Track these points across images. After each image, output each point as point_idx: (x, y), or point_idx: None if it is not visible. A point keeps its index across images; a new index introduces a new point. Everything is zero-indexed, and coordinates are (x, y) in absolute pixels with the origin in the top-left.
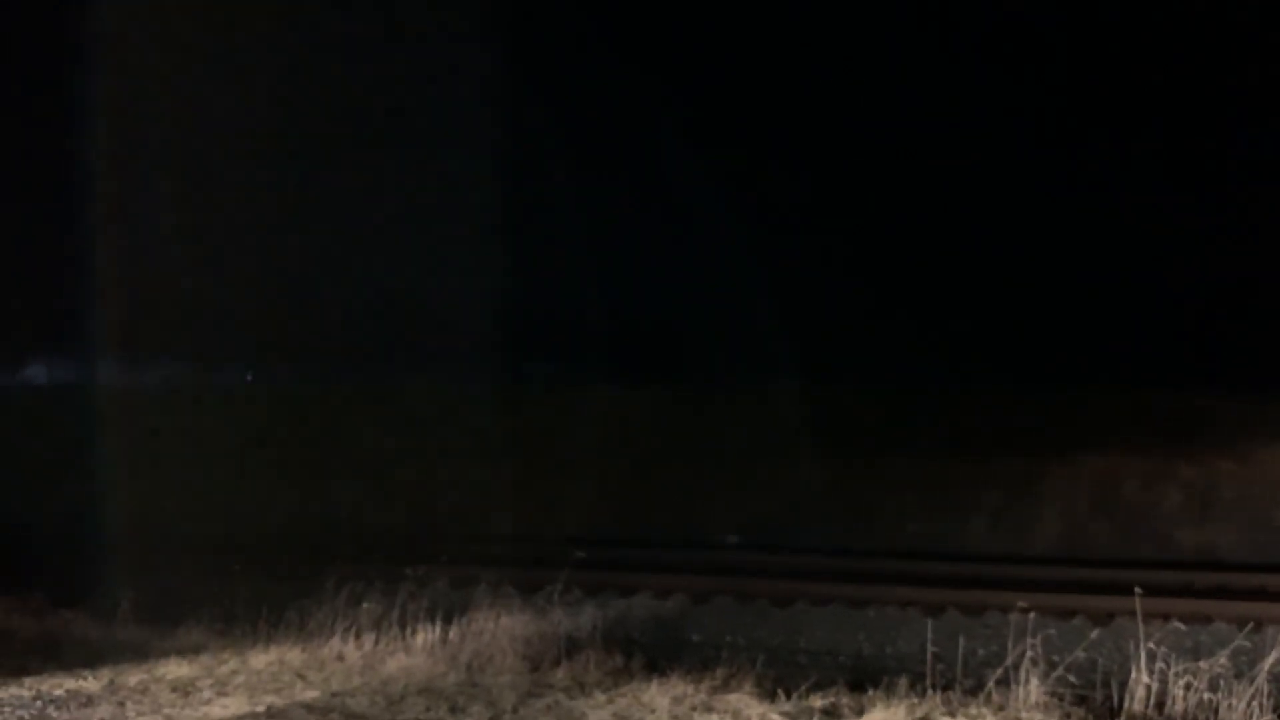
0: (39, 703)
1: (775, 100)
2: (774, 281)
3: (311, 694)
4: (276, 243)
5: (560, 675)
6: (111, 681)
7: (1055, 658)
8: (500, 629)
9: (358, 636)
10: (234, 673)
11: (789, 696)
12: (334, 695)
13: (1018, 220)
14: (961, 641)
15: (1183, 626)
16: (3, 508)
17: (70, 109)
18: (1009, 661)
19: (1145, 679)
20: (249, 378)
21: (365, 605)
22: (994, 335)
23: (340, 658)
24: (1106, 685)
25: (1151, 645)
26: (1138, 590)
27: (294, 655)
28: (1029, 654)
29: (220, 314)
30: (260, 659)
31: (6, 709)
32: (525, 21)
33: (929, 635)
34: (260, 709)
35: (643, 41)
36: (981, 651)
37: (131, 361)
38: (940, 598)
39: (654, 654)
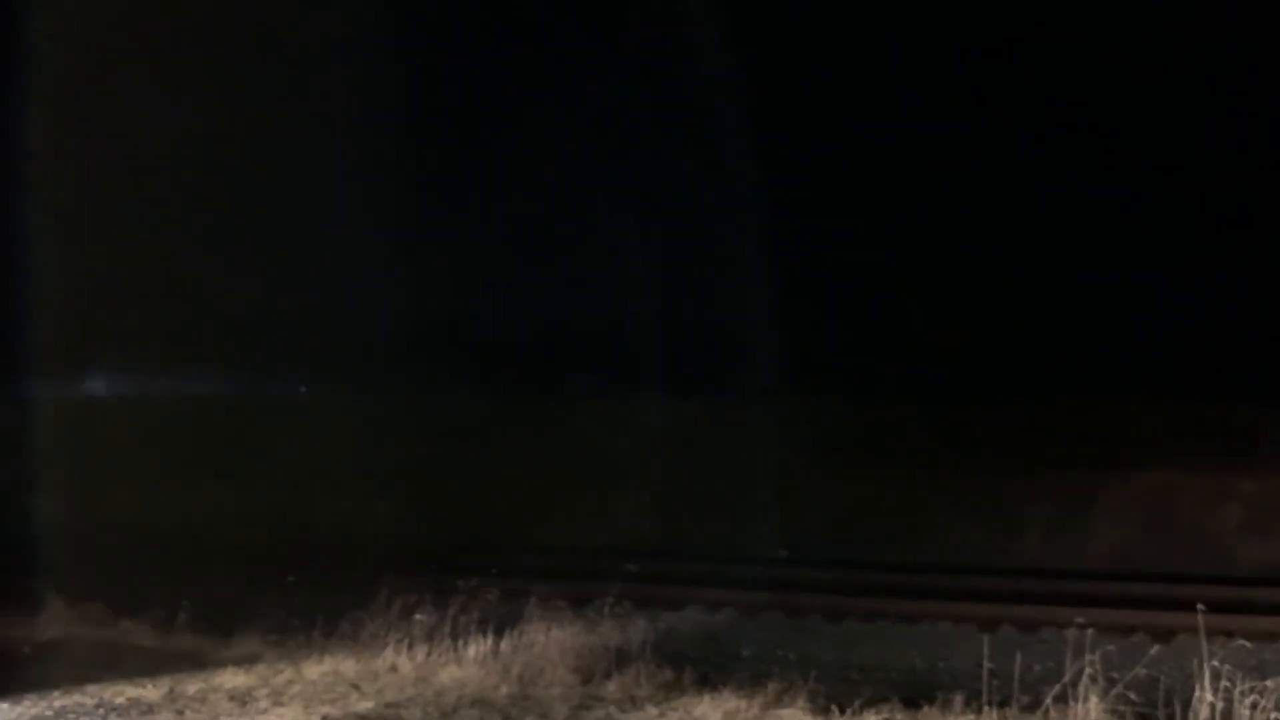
0: (101, 710)
1: (826, 110)
2: (821, 294)
3: (366, 705)
4: (317, 256)
5: (611, 688)
6: (171, 690)
7: (1114, 675)
8: (551, 641)
9: (410, 648)
10: (290, 683)
11: (843, 712)
12: (388, 706)
13: (1073, 231)
14: (1018, 657)
15: (1248, 644)
16: (65, 518)
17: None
18: (1067, 678)
19: (1209, 697)
20: (302, 389)
21: (417, 617)
22: (1047, 347)
23: (394, 669)
24: (1169, 704)
25: (1215, 663)
26: (1200, 606)
27: (348, 666)
28: (1088, 671)
29: (267, 325)
30: (315, 669)
31: (70, 716)
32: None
33: (984, 651)
34: (316, 719)
35: (688, 39)
36: (1038, 668)
37: (187, 373)
38: (994, 613)
39: (705, 668)
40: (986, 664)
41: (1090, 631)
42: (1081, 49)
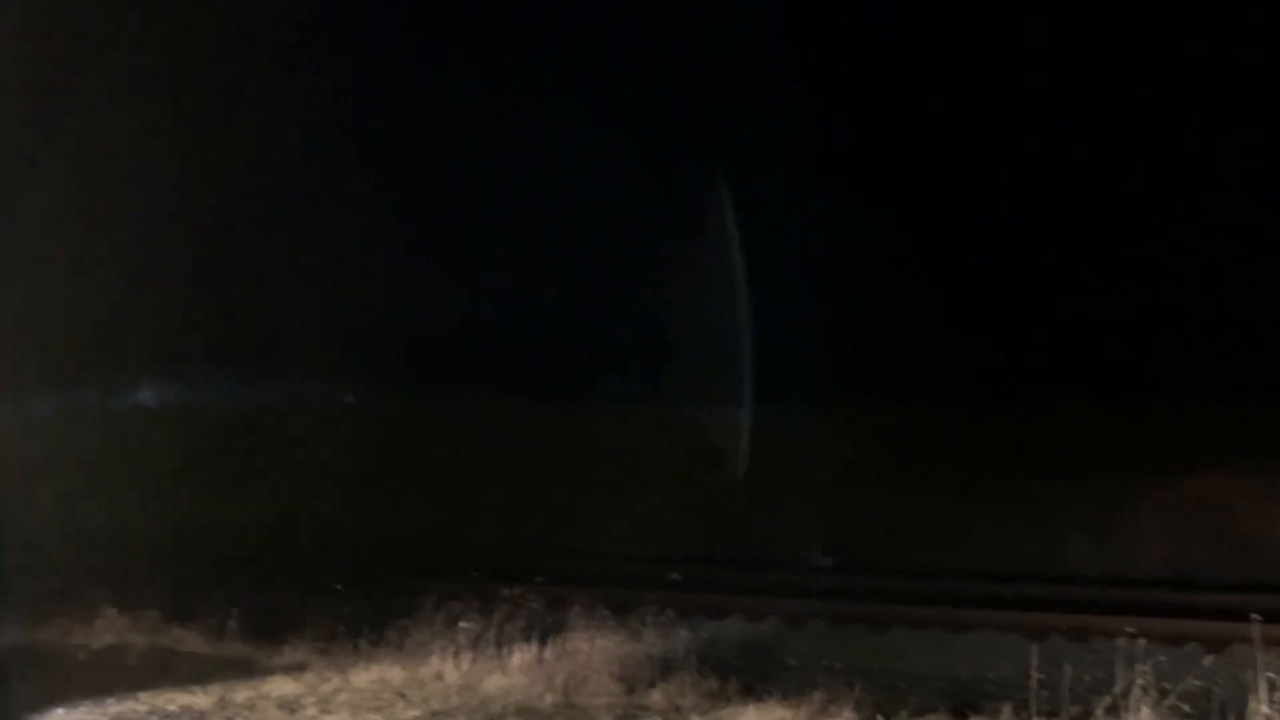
0: (154, 717)
1: (878, 105)
2: (862, 297)
3: (412, 713)
4: (353, 261)
5: (656, 698)
6: (221, 698)
7: (1166, 685)
8: (595, 649)
9: (455, 655)
10: (337, 690)
11: None
12: (434, 715)
13: (1122, 226)
14: (1067, 667)
15: None
16: (117, 526)
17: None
18: (1118, 689)
19: (1265, 709)
20: (348, 399)
21: (462, 624)
22: (1096, 347)
23: (439, 676)
24: (1223, 716)
25: (1271, 674)
26: (1255, 616)
27: (394, 673)
28: (1139, 682)
29: (310, 333)
30: (362, 677)
31: None
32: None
33: (1032, 660)
34: None
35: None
36: (1087, 678)
37: (234, 382)
38: (1042, 622)
39: (749, 677)
40: (1035, 674)
41: (1141, 641)
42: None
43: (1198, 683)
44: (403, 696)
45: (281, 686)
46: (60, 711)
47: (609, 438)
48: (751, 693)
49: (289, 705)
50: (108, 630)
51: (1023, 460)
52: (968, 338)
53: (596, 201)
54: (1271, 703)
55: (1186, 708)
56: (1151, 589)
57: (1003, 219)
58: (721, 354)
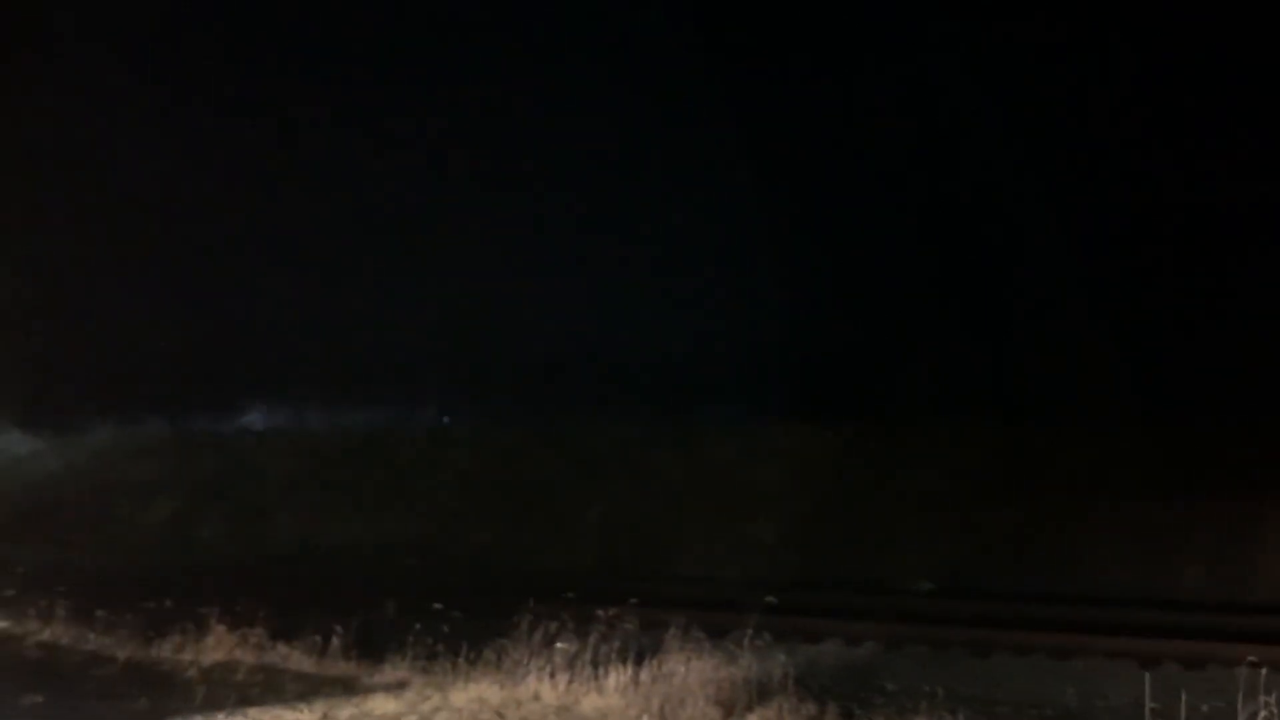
0: None
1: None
2: (965, 313)
3: None
4: (449, 287)
5: None
6: (324, 715)
7: None
8: (691, 672)
9: (552, 676)
10: (437, 709)
11: None
12: None
13: (1236, 237)
14: (1183, 696)
15: None
16: (227, 547)
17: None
18: None
19: None
20: (445, 420)
21: (559, 645)
22: (1210, 364)
23: (536, 697)
24: None
25: None
26: None
27: (492, 693)
28: (1263, 713)
29: (408, 354)
30: (461, 696)
31: None
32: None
33: (1145, 689)
34: None
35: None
36: (1205, 708)
37: (338, 404)
38: (1155, 649)
39: (848, 703)
40: (1149, 703)
41: (1264, 670)
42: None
43: None
44: (501, 716)
45: (383, 705)
46: None
47: (707, 459)
48: (850, 717)
49: None
50: (217, 647)
51: (1132, 482)
52: (1080, 356)
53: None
54: None
55: None
56: (1272, 615)
57: (1133, 238)
58: (818, 375)
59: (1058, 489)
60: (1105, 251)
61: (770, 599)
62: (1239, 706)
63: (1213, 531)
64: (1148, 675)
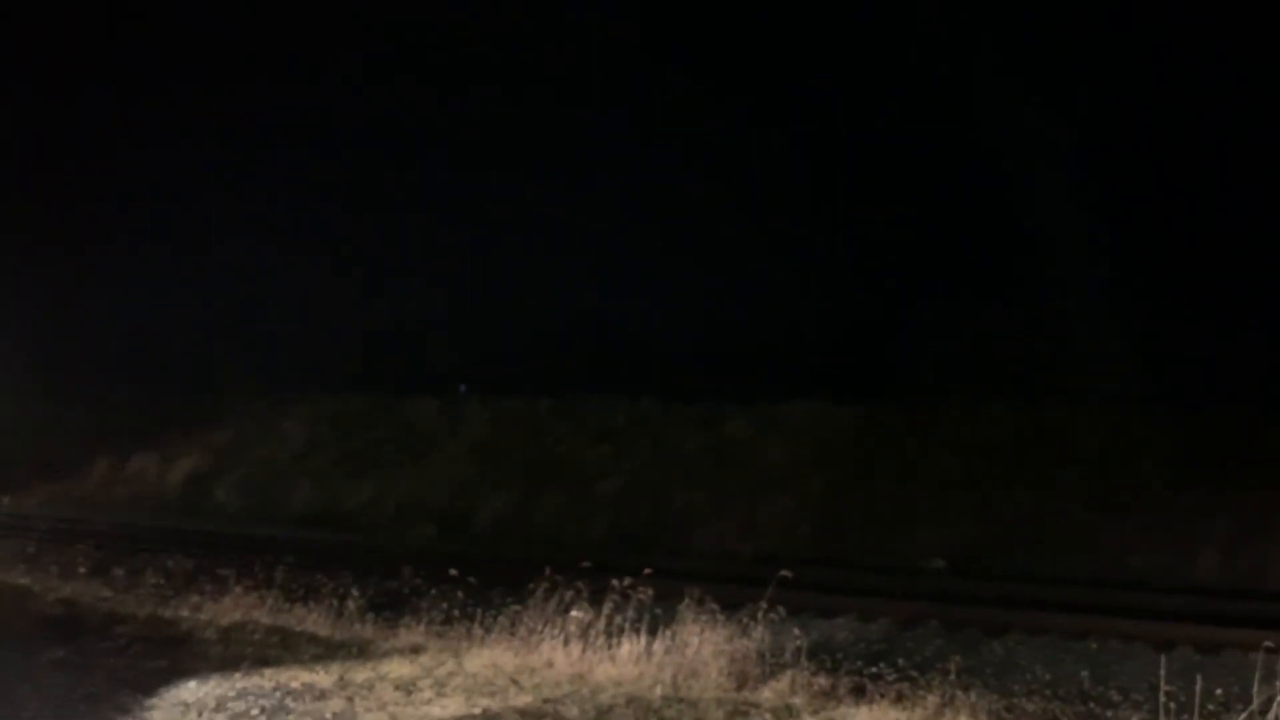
0: (278, 693)
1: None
2: (984, 294)
3: (524, 699)
4: (482, 265)
5: (766, 695)
6: (341, 677)
7: None
8: (704, 644)
9: (566, 644)
10: (451, 674)
11: None
12: (545, 702)
13: (1264, 225)
14: (1198, 680)
15: None
16: (246, 510)
17: None
18: (1255, 705)
19: None
20: (462, 388)
21: (573, 613)
22: (1233, 349)
23: (550, 664)
24: None
25: None
26: None
27: (506, 659)
28: (1279, 698)
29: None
30: (475, 662)
31: (250, 697)
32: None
33: (1160, 672)
34: (477, 711)
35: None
36: (1220, 692)
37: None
38: (1170, 632)
39: (860, 679)
40: (1164, 686)
41: None
42: None
43: None
44: (515, 682)
45: (398, 668)
46: (192, 684)
47: (724, 436)
48: (863, 694)
49: (405, 687)
50: (235, 607)
51: (1151, 465)
52: (1102, 338)
53: None
54: None
55: None
56: None
57: (1159, 221)
58: (836, 353)
59: (1076, 471)
60: (1129, 234)
61: (785, 573)
62: (1254, 691)
63: (1232, 517)
64: (1163, 658)
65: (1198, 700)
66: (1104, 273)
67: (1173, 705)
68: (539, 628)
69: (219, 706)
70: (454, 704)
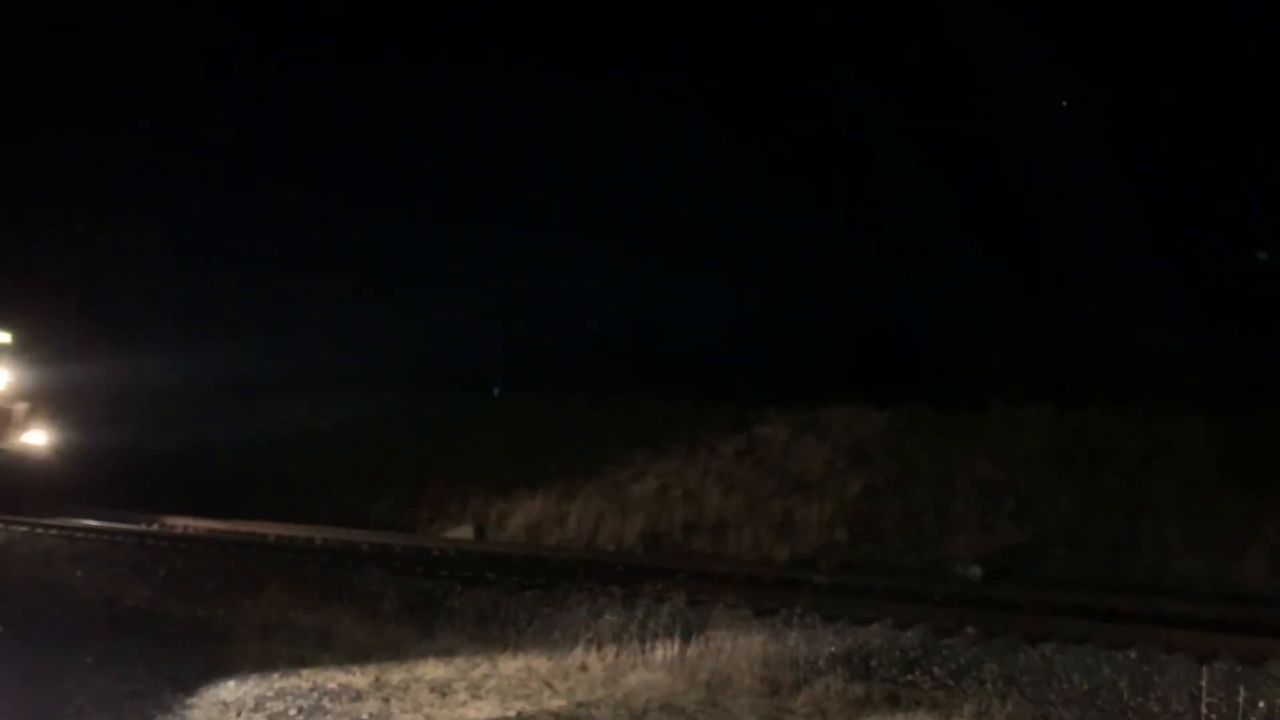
0: (315, 693)
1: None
2: (1024, 297)
3: (558, 703)
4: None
5: (800, 701)
6: (377, 679)
7: None
8: (737, 649)
9: (599, 648)
10: (486, 677)
11: None
12: (579, 705)
13: None
14: (1240, 691)
15: None
16: (287, 514)
17: None
18: None
19: None
20: (496, 391)
21: (606, 617)
22: (1272, 352)
23: (583, 668)
24: None
25: None
26: None
27: (540, 663)
28: None
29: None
30: (509, 665)
31: (289, 697)
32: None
33: (1202, 683)
34: (511, 714)
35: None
36: (1263, 704)
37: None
38: (1213, 642)
39: (895, 686)
40: (1205, 697)
41: None
42: None
43: None
44: (549, 686)
45: (434, 670)
46: (232, 683)
47: (759, 439)
48: (897, 701)
49: (440, 689)
50: (273, 607)
51: (1196, 471)
52: (1145, 342)
53: None
54: None
55: None
56: None
57: (1199, 224)
58: (873, 356)
59: (1117, 475)
60: (1171, 235)
61: (819, 578)
62: None
63: (1276, 523)
64: (1205, 669)
65: (1240, 712)
66: (1146, 275)
67: (1214, 717)
68: (573, 632)
69: None
70: (489, 706)
